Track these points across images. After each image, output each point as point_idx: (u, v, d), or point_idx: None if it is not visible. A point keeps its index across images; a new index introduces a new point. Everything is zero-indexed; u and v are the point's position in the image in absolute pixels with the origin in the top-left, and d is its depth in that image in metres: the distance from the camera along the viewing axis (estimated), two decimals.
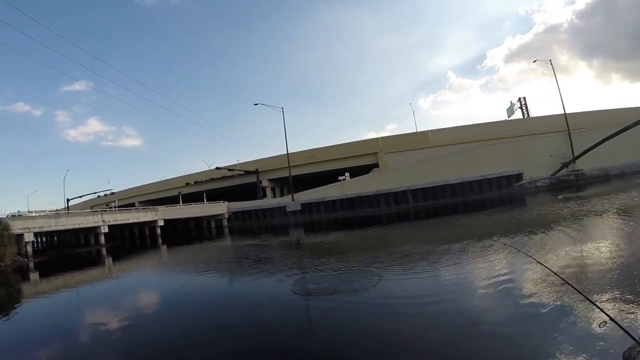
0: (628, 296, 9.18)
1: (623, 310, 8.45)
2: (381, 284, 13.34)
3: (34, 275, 28.13)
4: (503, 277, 12.54)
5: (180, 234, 56.77)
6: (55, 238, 56.29)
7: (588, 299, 5.09)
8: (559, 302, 9.56)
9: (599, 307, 5.04)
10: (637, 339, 3.80)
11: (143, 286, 20.11)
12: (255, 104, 66.79)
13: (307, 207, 58.47)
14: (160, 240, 48.44)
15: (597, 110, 64.52)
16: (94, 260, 33.45)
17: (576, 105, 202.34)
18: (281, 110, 61.62)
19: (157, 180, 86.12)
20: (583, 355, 6.83)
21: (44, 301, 18.16)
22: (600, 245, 15.63)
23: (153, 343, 10.32)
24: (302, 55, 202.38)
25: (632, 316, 8.05)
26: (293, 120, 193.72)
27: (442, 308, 10.52)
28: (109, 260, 32.80)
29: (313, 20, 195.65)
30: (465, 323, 9.21)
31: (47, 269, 29.47)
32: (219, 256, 28.56)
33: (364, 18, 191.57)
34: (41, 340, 11.62)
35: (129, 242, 51.23)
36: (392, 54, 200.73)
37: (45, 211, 46.81)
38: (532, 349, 7.53)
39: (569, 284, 5.88)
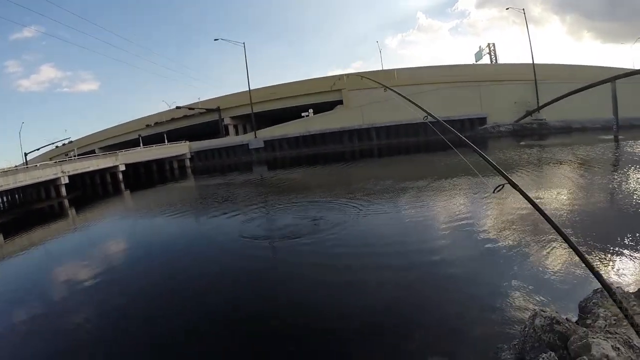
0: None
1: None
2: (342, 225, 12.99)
3: None
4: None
5: (142, 177, 55.28)
6: (17, 196, 54.14)
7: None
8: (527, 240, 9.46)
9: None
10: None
11: (105, 237, 19.19)
12: (215, 40, 64.41)
13: (270, 144, 57.68)
14: (122, 186, 46.76)
15: (566, 65, 64.15)
16: (57, 214, 32.08)
17: (545, 57, 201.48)
18: (242, 45, 59.73)
19: (116, 125, 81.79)
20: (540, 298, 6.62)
21: (11, 262, 17.20)
22: (559, 194, 15.62)
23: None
24: None
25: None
26: (255, 58, 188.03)
27: (403, 249, 10.29)
28: (72, 212, 31.61)
29: None
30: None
31: (10, 230, 28.14)
32: (181, 198, 27.91)
33: None
34: (12, 303, 10.84)
35: (91, 190, 49.19)
36: None
37: (3, 169, 44.54)
38: (489, 289, 7.39)
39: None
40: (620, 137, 36.55)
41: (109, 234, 19.67)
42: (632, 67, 54.24)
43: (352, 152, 47.93)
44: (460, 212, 13.76)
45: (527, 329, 4.77)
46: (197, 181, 40.54)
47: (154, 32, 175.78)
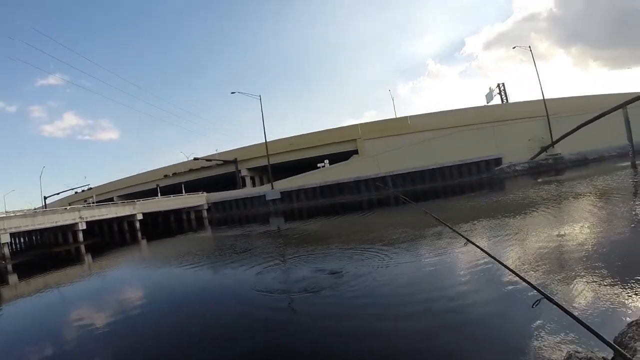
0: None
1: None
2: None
3: (12, 278, 27.04)
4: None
5: (160, 227, 55.65)
6: (34, 238, 55.01)
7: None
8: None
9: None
10: None
11: (119, 285, 19.19)
12: (232, 93, 66.14)
13: (287, 195, 57.95)
14: (139, 235, 47.56)
15: (576, 97, 64.84)
16: (73, 259, 32.35)
17: (554, 91, 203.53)
18: (258, 98, 60.87)
19: (135, 174, 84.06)
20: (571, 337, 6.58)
21: (25, 304, 17.37)
22: (582, 227, 15.51)
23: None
24: (280, 41, 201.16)
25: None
26: (271, 108, 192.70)
27: (425, 298, 10.23)
28: (88, 258, 31.85)
29: (291, 4, 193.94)
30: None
31: (26, 271, 28.49)
32: (198, 249, 27.72)
33: (342, 2, 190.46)
34: (24, 344, 10.88)
35: (108, 237, 49.74)
36: (370, 40, 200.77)
37: (22, 211, 45.23)
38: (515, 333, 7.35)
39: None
40: (637, 162, 36.42)
41: (123, 282, 19.69)
42: None
43: (369, 200, 47.84)
44: (480, 254, 13.65)
45: None
46: (214, 232, 40.47)
47: (173, 83, 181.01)
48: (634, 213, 16.62)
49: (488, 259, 12.59)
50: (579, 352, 4.62)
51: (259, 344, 8.63)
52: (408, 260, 14.18)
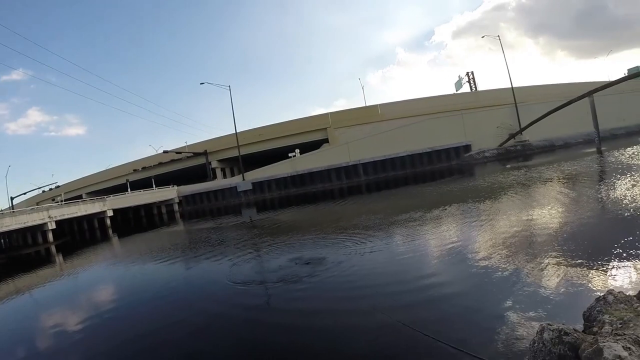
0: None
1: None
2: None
3: None
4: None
5: (131, 222, 54.55)
6: (2, 241, 53.32)
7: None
8: None
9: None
10: None
11: (91, 285, 18.62)
12: (201, 83, 65.21)
13: (258, 185, 57.77)
14: (110, 232, 46.20)
15: (543, 85, 66.09)
16: (44, 260, 31.37)
17: (523, 79, 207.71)
18: (228, 88, 60.36)
19: (104, 170, 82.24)
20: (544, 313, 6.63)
21: None
22: (550, 209, 15.78)
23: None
24: (250, 32, 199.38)
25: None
26: (241, 99, 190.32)
27: (400, 282, 10.17)
28: (59, 259, 30.95)
29: None
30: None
31: None
32: (171, 243, 27.27)
33: None
34: None
35: (79, 236, 48.34)
36: (341, 30, 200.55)
37: None
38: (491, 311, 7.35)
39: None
40: (602, 148, 37.92)
41: (95, 282, 19.04)
42: (608, 80, 55.70)
43: (340, 189, 47.90)
44: (451, 239, 13.76)
45: (536, 344, 4.70)
46: (186, 225, 39.85)
47: (140, 76, 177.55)
48: (599, 196, 17.04)
49: (456, 243, 12.86)
50: (550, 325, 4.64)
51: (233, 339, 8.46)
52: (382, 248, 14.13)
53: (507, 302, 7.56)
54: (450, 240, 13.35)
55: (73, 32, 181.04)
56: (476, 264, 10.34)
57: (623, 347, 3.83)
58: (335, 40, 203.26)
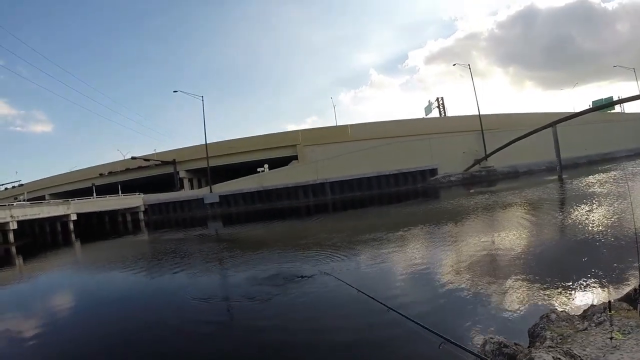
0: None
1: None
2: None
3: None
4: None
5: (94, 228, 53.33)
6: None
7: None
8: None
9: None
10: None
11: (49, 292, 17.97)
12: (175, 91, 64.49)
13: (225, 199, 57.13)
14: (73, 236, 44.65)
15: (510, 113, 67.98)
16: (3, 261, 30.56)
17: (491, 107, 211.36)
18: (201, 98, 59.98)
19: (70, 171, 79.53)
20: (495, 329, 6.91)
21: None
22: (509, 234, 16.24)
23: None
24: (228, 44, 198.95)
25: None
26: (213, 111, 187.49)
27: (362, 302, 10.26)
28: (19, 261, 30.13)
29: (241, 10, 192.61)
30: None
31: None
32: (135, 252, 26.80)
33: (292, 11, 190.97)
34: None
35: (40, 238, 47.11)
36: (318, 47, 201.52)
37: None
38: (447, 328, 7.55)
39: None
40: (564, 176, 39.25)
41: (53, 288, 18.48)
42: (573, 111, 57.75)
43: (306, 206, 47.91)
44: (415, 259, 14.01)
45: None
46: (151, 235, 39.39)
47: (112, 79, 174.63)
48: (556, 222, 17.66)
49: (418, 264, 13.09)
50: (492, 338, 5.09)
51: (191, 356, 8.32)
52: (348, 267, 14.05)
53: (462, 320, 7.87)
54: (412, 262, 13.58)
55: (46, 23, 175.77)
56: (436, 284, 10.62)
57: (553, 357, 4.18)
58: (311, 57, 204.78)
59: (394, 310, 6.95)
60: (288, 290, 11.75)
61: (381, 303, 7.41)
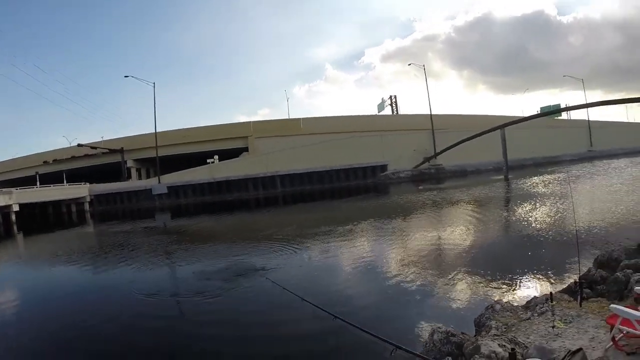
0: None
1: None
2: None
3: None
4: None
5: (37, 220, 51.03)
6: None
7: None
8: None
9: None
10: None
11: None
12: (125, 76, 63.14)
13: (174, 190, 55.97)
14: (15, 228, 41.20)
15: (461, 115, 69.70)
16: None
17: (443, 107, 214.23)
18: (152, 85, 58.61)
19: (10, 158, 75.44)
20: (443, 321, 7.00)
21: None
22: (456, 229, 16.59)
23: None
24: (185, 32, 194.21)
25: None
26: (165, 100, 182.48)
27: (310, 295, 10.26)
28: None
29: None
30: None
31: None
32: (81, 246, 25.59)
33: (250, 3, 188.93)
34: None
35: None
36: (274, 39, 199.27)
37: None
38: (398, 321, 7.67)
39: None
40: (510, 176, 40.74)
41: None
42: (522, 115, 60.00)
43: (256, 199, 47.78)
44: (364, 253, 14.15)
45: (428, 344, 5.24)
46: (96, 227, 38.29)
47: (60, 59, 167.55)
48: (502, 218, 18.13)
49: (367, 257, 13.19)
50: (440, 328, 5.32)
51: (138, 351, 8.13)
52: (297, 262, 14.08)
53: (411, 311, 8.12)
54: (361, 255, 13.72)
55: None
56: (384, 277, 10.74)
57: (499, 344, 4.39)
58: (268, 48, 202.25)
59: (340, 319, 6.80)
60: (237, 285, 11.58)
61: (327, 312, 7.23)
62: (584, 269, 7.56)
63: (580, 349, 3.81)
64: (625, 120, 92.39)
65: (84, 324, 9.86)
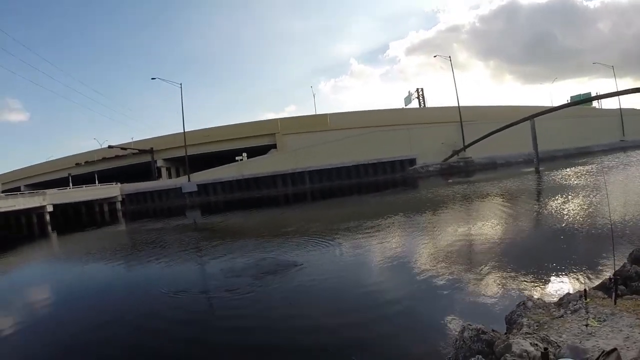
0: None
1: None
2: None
3: None
4: None
5: (70, 219, 51.99)
6: None
7: None
8: None
9: None
10: None
11: (25, 285, 17.35)
12: (152, 78, 63.91)
13: (203, 188, 56.58)
14: (49, 228, 42.75)
15: (489, 106, 68.52)
16: None
17: (470, 99, 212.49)
18: (179, 86, 59.23)
19: (45, 161, 76.85)
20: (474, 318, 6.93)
21: None
22: (487, 222, 16.41)
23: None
24: (208, 33, 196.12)
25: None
26: (191, 99, 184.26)
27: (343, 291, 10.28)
28: None
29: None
30: None
31: None
32: (113, 244, 25.98)
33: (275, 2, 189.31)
34: None
35: (15, 231, 45.79)
36: (298, 36, 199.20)
37: None
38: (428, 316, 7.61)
39: None
40: (540, 168, 39.95)
41: (29, 282, 18.10)
42: (551, 105, 58.51)
43: (285, 195, 48.06)
44: (395, 247, 14.10)
45: (458, 341, 5.14)
46: (128, 226, 39.00)
47: (89, 66, 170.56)
48: (533, 212, 17.85)
49: (400, 252, 13.14)
50: (470, 325, 5.16)
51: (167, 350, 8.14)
52: (328, 258, 13.99)
53: (441, 307, 8.03)
54: (393, 250, 13.67)
55: (24, 10, 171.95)
56: (417, 272, 10.68)
57: (531, 343, 4.28)
58: (292, 46, 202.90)
59: None
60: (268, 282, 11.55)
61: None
62: (619, 264, 7.38)
63: (614, 349, 3.70)
64: None
65: (122, 320, 10.20)
